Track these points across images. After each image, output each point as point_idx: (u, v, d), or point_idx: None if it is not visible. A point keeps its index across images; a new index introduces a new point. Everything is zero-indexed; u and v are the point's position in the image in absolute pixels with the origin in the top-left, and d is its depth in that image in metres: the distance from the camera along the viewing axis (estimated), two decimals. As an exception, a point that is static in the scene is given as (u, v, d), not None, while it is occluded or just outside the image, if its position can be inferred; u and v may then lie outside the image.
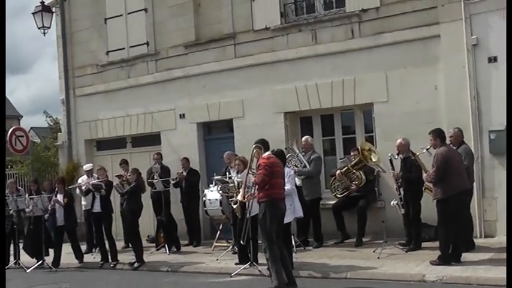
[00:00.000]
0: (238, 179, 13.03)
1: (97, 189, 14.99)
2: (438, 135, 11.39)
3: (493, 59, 13.22)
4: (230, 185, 13.39)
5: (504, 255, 10.64)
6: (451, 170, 11.00)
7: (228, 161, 15.13)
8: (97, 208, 14.99)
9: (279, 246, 10.75)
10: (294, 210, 11.98)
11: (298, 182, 13.97)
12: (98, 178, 15.47)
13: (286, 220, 11.45)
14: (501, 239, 12.64)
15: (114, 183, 15.03)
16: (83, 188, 15.66)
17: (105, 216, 14.97)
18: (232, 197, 13.15)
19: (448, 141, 11.70)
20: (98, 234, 15.31)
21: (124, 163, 16.82)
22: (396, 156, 12.68)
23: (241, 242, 12.42)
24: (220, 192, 14.38)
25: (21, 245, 16.24)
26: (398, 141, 12.80)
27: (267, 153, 10.98)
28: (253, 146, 11.24)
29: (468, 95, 13.44)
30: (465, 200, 11.53)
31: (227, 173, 14.62)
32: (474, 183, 12.60)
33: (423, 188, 12.61)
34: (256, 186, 10.93)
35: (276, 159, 10.92)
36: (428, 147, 11.60)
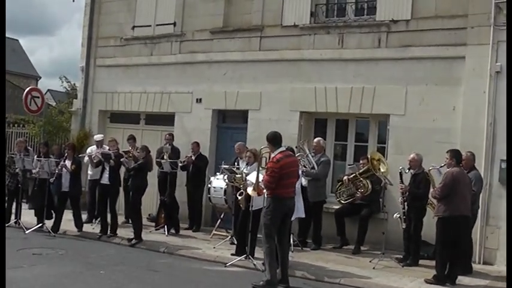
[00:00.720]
0: (246, 171, 13.08)
1: (106, 159, 15.08)
2: (455, 155, 11.40)
3: (514, 88, 13.20)
4: (237, 175, 13.42)
5: (500, 284, 10.68)
6: (456, 192, 11.03)
7: (238, 151, 15.19)
8: (105, 180, 15.09)
9: (283, 244, 10.84)
10: (296, 210, 12.01)
11: (304, 182, 14.02)
12: (108, 149, 15.57)
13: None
14: (500, 268, 12.68)
15: (123, 158, 15.07)
16: (94, 158, 15.75)
17: (112, 188, 15.09)
18: (238, 187, 13.20)
19: (459, 164, 11.72)
20: (102, 205, 15.40)
21: (131, 139, 16.81)
22: (407, 171, 12.69)
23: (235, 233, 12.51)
24: (226, 181, 14.43)
25: (23, 205, 16.34)
26: (412, 156, 12.81)
27: (279, 150, 10.96)
28: (262, 147, 11.31)
29: (485, 120, 13.41)
30: (464, 225, 11.50)
31: (235, 163, 14.67)
32: (479, 210, 12.64)
33: (427, 205, 12.65)
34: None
35: (287, 160, 10.87)
36: (443, 165, 11.62)
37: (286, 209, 10.89)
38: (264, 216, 10.92)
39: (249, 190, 12.02)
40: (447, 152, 11.53)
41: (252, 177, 12.25)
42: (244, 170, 13.22)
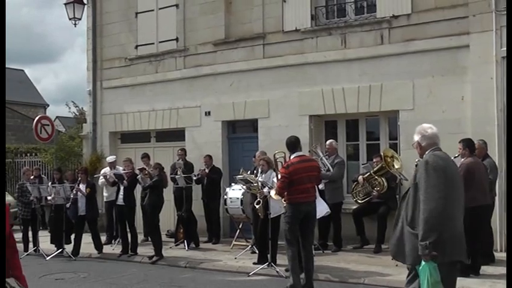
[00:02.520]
0: (260, 179, 13.07)
1: (119, 179, 15.13)
2: (468, 145, 11.34)
3: (522, 72, 13.13)
4: (254, 184, 13.38)
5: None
6: (472, 182, 10.92)
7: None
8: (120, 201, 15.18)
9: (306, 249, 10.84)
10: (319, 212, 11.89)
11: (321, 185, 13.99)
12: (123, 169, 15.63)
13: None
14: (522, 253, 12.59)
15: (139, 176, 15.09)
16: (109, 178, 15.82)
17: (127, 208, 15.13)
18: (255, 196, 13.19)
19: (472, 153, 11.65)
20: (121, 225, 15.52)
21: (145, 157, 16.94)
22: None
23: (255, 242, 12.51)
24: (245, 189, 14.37)
25: (40, 233, 16.38)
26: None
27: (294, 155, 10.97)
28: (277, 152, 11.31)
29: (495, 107, 13.37)
30: (484, 214, 11.44)
31: (255, 171, 14.63)
32: (496, 197, 12.56)
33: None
34: None
35: (300, 165, 10.83)
36: (456, 155, 11.55)
37: (303, 214, 10.83)
38: (283, 223, 10.98)
39: (272, 193, 11.99)
40: (459, 142, 11.47)
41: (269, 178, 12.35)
42: (259, 178, 13.20)
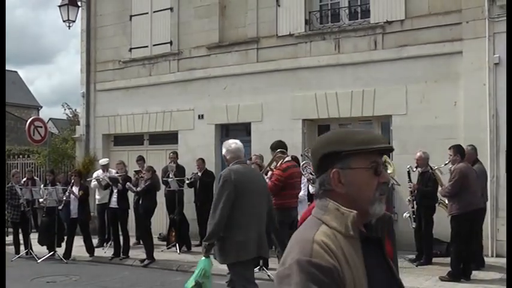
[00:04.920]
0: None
1: (114, 182, 15.13)
2: (458, 151, 11.36)
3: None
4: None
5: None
6: (467, 187, 10.98)
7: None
8: (113, 203, 15.15)
9: None
10: None
11: (312, 189, 13.98)
12: (116, 172, 15.63)
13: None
14: (514, 259, 12.64)
15: (127, 184, 15.05)
16: (102, 181, 15.81)
17: (121, 211, 15.11)
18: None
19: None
20: (114, 228, 15.47)
21: (141, 160, 16.95)
22: (414, 169, 12.68)
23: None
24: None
25: (32, 235, 16.34)
26: (418, 154, 12.80)
27: (287, 159, 11.00)
28: (278, 150, 11.28)
29: (487, 113, 13.44)
30: (478, 218, 11.52)
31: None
32: (488, 202, 12.61)
33: (437, 204, 12.61)
34: None
35: (294, 170, 10.91)
36: (447, 162, 11.60)
37: (292, 219, 10.90)
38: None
39: None
40: (450, 148, 11.51)
41: None
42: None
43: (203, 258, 7.44)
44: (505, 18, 13.00)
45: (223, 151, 7.91)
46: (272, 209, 8.23)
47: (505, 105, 12.83)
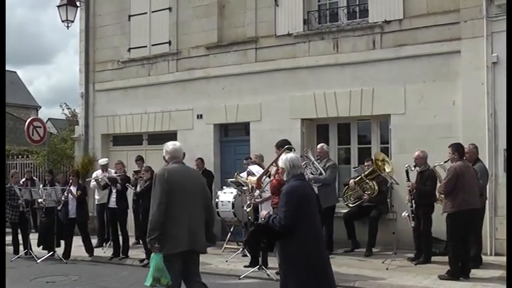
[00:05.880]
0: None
1: (113, 182, 15.13)
2: (457, 149, 11.37)
3: (512, 77, 13.22)
4: (244, 188, 13.40)
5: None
6: (462, 186, 10.99)
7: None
8: (112, 203, 15.16)
9: None
10: None
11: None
12: (115, 172, 15.64)
13: None
14: (512, 257, 12.67)
15: (127, 183, 15.07)
16: (100, 181, 15.81)
17: (120, 211, 15.11)
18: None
19: (462, 158, 11.72)
20: (113, 228, 15.46)
21: (140, 160, 16.92)
22: (413, 168, 12.70)
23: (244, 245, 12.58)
24: (236, 192, 14.43)
25: (31, 236, 16.34)
26: (417, 153, 12.81)
27: None
28: (286, 146, 11.27)
29: (485, 112, 13.46)
30: (475, 218, 11.51)
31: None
32: (487, 201, 12.64)
33: (436, 201, 12.62)
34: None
35: None
36: (446, 160, 11.63)
37: None
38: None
39: (252, 178, 12.08)
40: (449, 146, 11.53)
41: (255, 169, 12.58)
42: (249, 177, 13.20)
43: (153, 254, 7.87)
44: (503, 17, 13.03)
45: (163, 153, 8.54)
46: (211, 205, 8.65)
47: (504, 103, 12.83)
